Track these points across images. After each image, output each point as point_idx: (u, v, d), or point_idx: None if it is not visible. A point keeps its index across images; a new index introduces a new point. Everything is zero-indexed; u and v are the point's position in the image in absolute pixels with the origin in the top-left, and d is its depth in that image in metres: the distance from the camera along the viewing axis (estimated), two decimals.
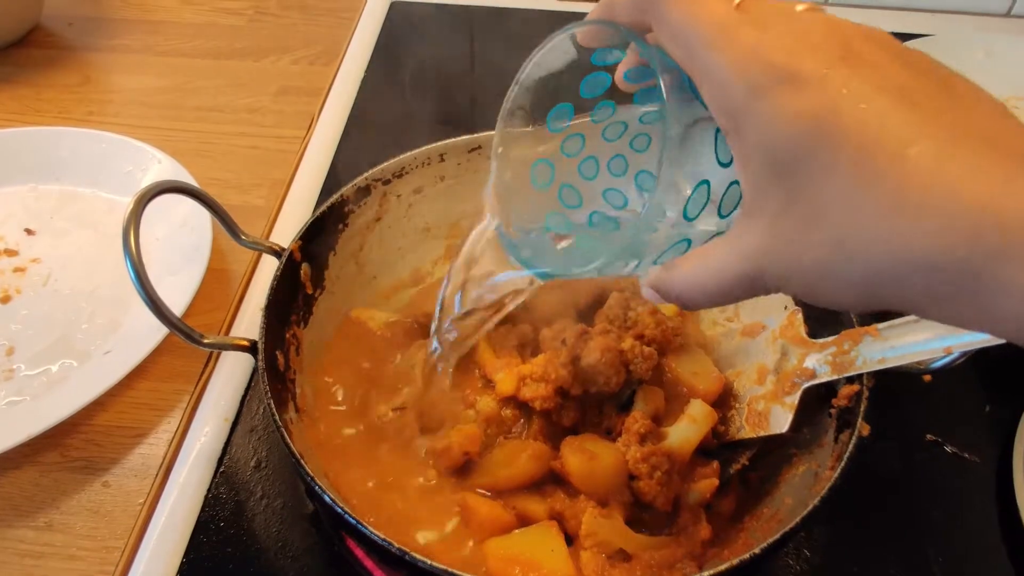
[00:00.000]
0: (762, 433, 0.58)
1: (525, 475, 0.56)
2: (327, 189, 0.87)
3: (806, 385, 0.56)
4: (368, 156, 0.70)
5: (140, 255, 0.50)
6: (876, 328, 0.54)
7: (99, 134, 0.88)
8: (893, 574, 0.59)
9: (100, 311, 0.75)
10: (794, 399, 0.56)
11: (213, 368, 0.70)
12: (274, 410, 0.50)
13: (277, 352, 0.57)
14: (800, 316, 0.59)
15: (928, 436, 0.67)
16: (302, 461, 0.48)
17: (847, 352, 0.54)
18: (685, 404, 0.59)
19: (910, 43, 1.05)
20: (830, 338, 0.56)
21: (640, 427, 0.57)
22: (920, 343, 0.51)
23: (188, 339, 0.53)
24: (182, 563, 0.57)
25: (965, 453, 0.66)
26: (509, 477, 0.56)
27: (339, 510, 0.45)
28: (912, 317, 0.52)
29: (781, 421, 0.56)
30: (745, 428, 0.59)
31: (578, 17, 0.38)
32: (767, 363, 0.60)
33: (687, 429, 0.58)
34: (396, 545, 0.44)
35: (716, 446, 0.59)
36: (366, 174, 0.67)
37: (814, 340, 0.57)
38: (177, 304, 0.71)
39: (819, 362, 0.56)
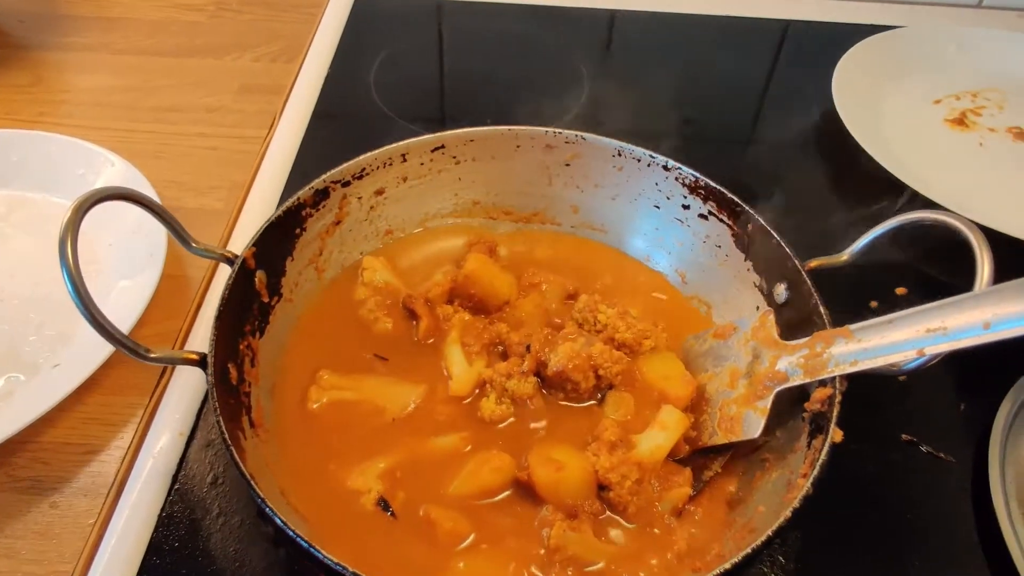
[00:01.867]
0: (735, 439, 0.56)
1: (486, 487, 0.54)
2: (289, 191, 0.85)
3: (778, 389, 0.54)
4: (332, 156, 0.67)
5: (78, 266, 0.47)
6: (848, 329, 0.52)
7: (50, 136, 0.85)
8: None
9: (49, 322, 0.71)
10: (766, 403, 0.55)
11: (168, 380, 0.67)
12: (223, 427, 0.48)
13: (229, 364, 0.54)
14: (772, 317, 0.58)
15: (903, 436, 0.66)
16: (253, 482, 0.45)
17: (819, 354, 0.53)
18: (656, 409, 0.58)
19: (881, 35, 1.04)
20: (802, 340, 0.55)
21: (610, 435, 0.55)
22: (893, 345, 0.49)
23: (132, 354, 0.50)
24: None
25: (941, 453, 0.65)
26: (470, 492, 0.54)
27: (291, 533, 0.43)
28: (885, 318, 0.51)
29: (754, 426, 0.55)
30: (718, 433, 0.57)
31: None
32: (739, 366, 0.58)
33: (658, 436, 0.56)
34: (351, 569, 0.42)
35: (688, 453, 0.58)
36: (324, 176, 0.65)
37: (786, 342, 0.56)
38: (130, 313, 0.68)
39: (791, 365, 0.54)
